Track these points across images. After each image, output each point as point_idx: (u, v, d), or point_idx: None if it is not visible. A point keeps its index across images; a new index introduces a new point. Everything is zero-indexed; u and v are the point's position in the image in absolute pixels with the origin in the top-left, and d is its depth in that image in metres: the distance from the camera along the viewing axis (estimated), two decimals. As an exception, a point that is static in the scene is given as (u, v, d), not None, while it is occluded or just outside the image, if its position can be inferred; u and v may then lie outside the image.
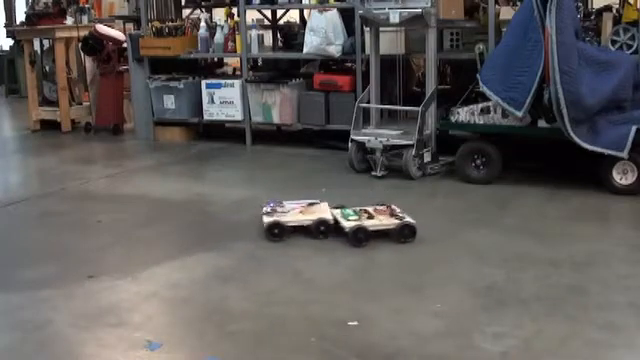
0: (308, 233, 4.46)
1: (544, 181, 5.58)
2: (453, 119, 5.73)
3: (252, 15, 8.74)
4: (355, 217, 4.48)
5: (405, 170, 5.78)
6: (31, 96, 8.90)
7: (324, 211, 4.62)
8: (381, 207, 4.67)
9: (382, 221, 4.45)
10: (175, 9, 8.59)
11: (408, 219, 4.43)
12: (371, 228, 4.35)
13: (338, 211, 4.60)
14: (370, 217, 4.49)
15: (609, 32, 5.64)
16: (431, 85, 5.96)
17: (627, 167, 5.19)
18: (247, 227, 4.73)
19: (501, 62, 5.39)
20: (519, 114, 5.27)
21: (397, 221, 4.41)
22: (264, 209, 4.69)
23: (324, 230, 4.44)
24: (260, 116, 7.34)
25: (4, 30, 12.33)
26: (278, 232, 4.43)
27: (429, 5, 5.83)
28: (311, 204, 4.75)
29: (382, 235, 4.37)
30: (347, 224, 4.37)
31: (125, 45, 8.18)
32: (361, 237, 4.30)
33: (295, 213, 4.62)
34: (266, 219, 4.52)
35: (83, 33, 8.52)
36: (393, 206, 4.66)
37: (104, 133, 8.41)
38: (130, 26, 9.62)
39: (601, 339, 3.09)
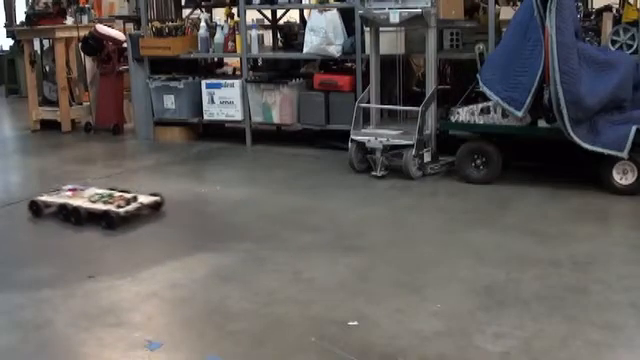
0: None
1: (544, 181, 5.58)
2: (453, 119, 5.73)
3: (252, 15, 8.75)
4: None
5: (405, 170, 5.78)
6: (31, 96, 8.90)
7: (83, 196, 5.13)
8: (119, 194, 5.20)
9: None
10: (175, 9, 8.59)
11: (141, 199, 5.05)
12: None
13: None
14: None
15: (609, 32, 5.65)
16: (431, 85, 5.96)
17: (627, 167, 5.18)
18: (247, 227, 4.74)
19: (501, 62, 5.39)
20: (519, 114, 5.27)
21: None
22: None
23: (65, 214, 4.94)
24: (260, 116, 7.34)
25: (4, 30, 12.32)
26: (36, 210, 5.06)
27: (429, 5, 5.83)
28: (82, 189, 5.32)
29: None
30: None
31: (125, 45, 8.18)
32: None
33: (65, 196, 5.17)
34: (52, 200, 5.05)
35: (83, 33, 8.52)
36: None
37: (104, 133, 8.42)
38: (130, 26, 9.62)
39: (601, 339, 3.09)
